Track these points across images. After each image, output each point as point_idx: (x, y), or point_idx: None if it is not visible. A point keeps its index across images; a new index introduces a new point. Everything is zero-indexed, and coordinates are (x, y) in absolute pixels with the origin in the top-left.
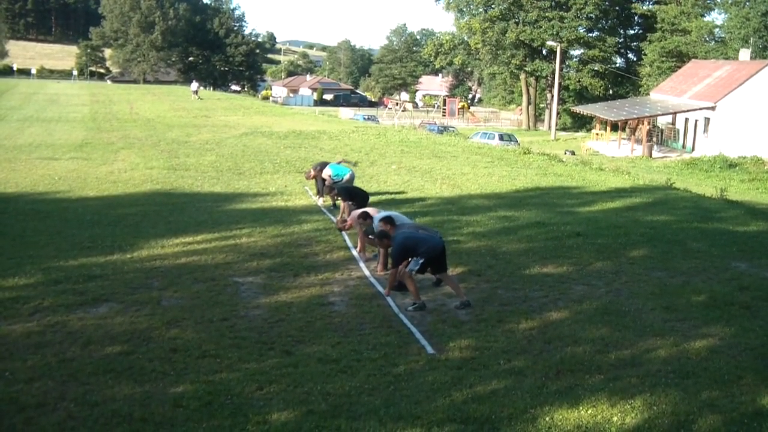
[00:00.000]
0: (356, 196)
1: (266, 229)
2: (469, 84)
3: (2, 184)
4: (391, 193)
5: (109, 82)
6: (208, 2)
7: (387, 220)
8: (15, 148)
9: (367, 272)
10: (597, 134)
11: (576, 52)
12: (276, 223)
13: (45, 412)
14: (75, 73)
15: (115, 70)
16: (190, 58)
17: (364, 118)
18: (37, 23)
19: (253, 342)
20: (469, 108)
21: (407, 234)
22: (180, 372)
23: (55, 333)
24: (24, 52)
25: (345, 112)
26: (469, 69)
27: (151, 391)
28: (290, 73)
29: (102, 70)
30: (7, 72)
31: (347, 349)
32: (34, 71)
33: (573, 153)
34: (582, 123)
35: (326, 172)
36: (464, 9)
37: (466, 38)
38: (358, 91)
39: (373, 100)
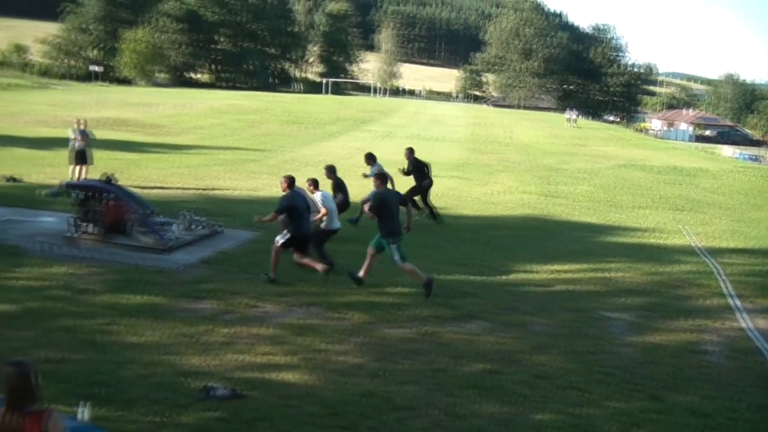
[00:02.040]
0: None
1: (639, 265)
2: None
3: None
4: None
5: (487, 105)
6: (589, 32)
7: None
8: (400, 164)
9: (748, 324)
10: None
11: None
12: (650, 260)
13: (414, 415)
14: (456, 95)
15: (494, 94)
16: (567, 86)
17: (748, 158)
18: (426, 48)
19: (619, 380)
20: None
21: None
22: (543, 399)
23: (428, 342)
24: (412, 74)
25: (726, 150)
26: None
27: (513, 413)
28: (669, 107)
29: (481, 94)
30: (397, 92)
31: (721, 405)
32: (420, 92)
33: None
34: None
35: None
36: None
37: None
38: (740, 128)
39: (758, 138)
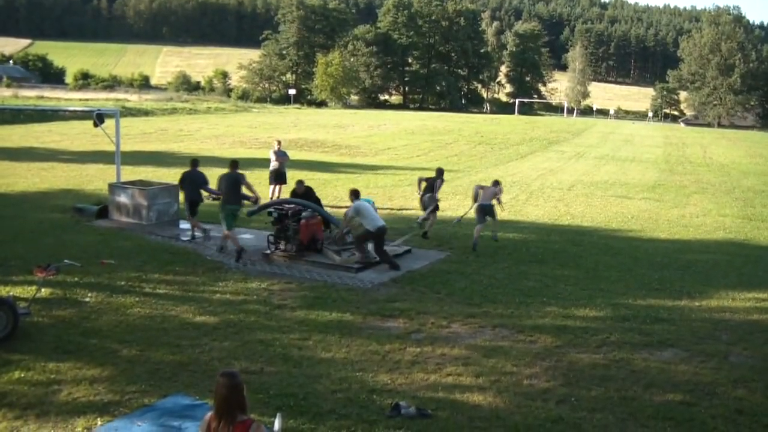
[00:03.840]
0: None
1: None
2: None
3: (579, 218)
4: None
5: (681, 124)
6: None
7: None
8: (592, 185)
9: None
10: None
11: None
12: None
13: None
14: (650, 114)
15: (688, 113)
16: None
17: None
18: (617, 66)
19: None
20: None
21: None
22: None
23: (618, 369)
24: (603, 94)
25: None
26: None
27: None
28: None
29: (675, 113)
30: (588, 112)
31: None
32: (611, 112)
33: None
34: None
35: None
36: None
37: None
38: None
39: None
